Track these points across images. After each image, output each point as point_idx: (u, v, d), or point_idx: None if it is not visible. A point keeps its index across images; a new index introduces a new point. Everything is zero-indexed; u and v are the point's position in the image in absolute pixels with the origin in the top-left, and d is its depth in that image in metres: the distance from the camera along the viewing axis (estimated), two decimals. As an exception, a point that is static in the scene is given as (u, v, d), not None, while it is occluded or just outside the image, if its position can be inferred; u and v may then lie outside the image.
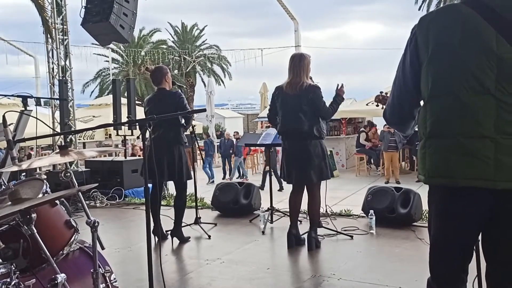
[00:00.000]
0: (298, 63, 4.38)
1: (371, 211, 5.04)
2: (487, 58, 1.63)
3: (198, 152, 6.66)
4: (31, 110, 3.91)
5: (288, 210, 5.58)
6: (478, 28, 1.66)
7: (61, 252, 2.28)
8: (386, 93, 2.53)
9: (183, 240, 4.88)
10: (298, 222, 4.67)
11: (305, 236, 4.52)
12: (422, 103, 1.88)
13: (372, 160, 14.02)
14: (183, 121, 4.89)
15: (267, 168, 9.29)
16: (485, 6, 1.67)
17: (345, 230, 5.00)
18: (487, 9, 1.66)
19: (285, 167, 4.51)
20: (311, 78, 4.47)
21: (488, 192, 1.64)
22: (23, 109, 3.74)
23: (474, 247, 2.16)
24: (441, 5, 23.52)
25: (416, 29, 1.81)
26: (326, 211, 5.55)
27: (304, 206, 4.61)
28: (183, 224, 5.00)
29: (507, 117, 1.62)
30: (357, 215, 5.70)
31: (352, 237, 4.82)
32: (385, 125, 13.07)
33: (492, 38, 1.63)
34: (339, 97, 4.51)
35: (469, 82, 1.65)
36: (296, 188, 4.53)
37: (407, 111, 1.93)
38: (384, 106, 2.51)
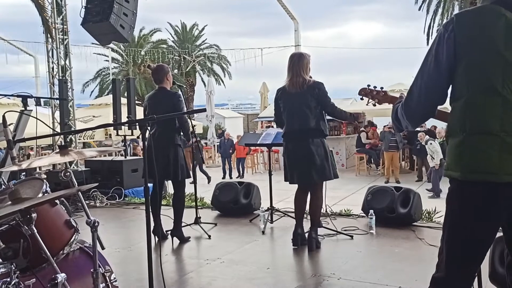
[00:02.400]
0: (298, 62, 4.39)
1: (371, 211, 5.04)
2: None
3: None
4: (31, 110, 3.91)
5: (288, 210, 5.62)
6: None
7: (61, 252, 2.28)
8: (375, 87, 2.53)
9: (183, 240, 4.88)
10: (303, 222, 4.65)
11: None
12: (448, 101, 1.89)
13: (372, 159, 14.03)
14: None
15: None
16: None
17: (345, 230, 5.00)
18: None
19: (287, 167, 4.51)
20: (311, 77, 4.48)
21: None
22: (23, 109, 3.74)
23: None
24: (441, 6, 23.29)
25: (454, 25, 1.82)
26: (326, 211, 5.56)
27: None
28: (183, 224, 5.00)
29: None
30: (357, 215, 5.69)
31: (352, 237, 4.82)
32: (386, 125, 13.10)
33: None
34: (353, 117, 4.57)
35: None
36: (301, 188, 4.54)
37: (433, 107, 1.95)
38: (370, 99, 2.51)
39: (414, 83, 1.96)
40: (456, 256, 1.85)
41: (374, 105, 2.56)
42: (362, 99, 2.56)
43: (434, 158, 10.57)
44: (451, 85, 1.88)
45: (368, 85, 2.53)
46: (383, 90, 2.50)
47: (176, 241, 4.87)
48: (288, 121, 4.44)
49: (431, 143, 10.75)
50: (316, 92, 4.33)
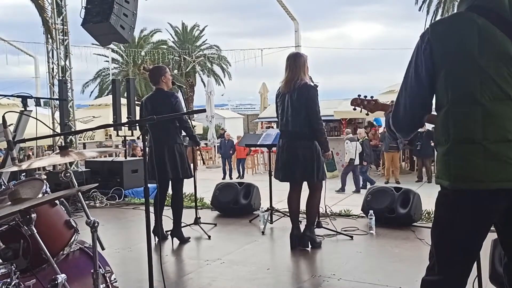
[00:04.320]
0: (293, 61, 4.41)
1: (371, 211, 5.04)
2: (505, 65, 1.72)
3: (199, 152, 6.66)
4: (31, 111, 3.91)
5: (287, 210, 5.61)
6: (494, 37, 1.74)
7: (61, 252, 2.28)
8: (365, 97, 2.57)
9: (183, 240, 4.88)
10: (299, 222, 4.66)
11: None
12: (433, 110, 1.92)
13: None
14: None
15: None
16: (495, 14, 1.75)
17: (345, 230, 5.00)
18: (498, 17, 1.75)
19: (276, 163, 4.55)
20: (310, 78, 4.48)
21: (510, 193, 1.72)
22: (23, 109, 3.74)
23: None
24: (441, 6, 23.28)
25: (430, 36, 1.84)
26: (326, 211, 5.55)
27: (303, 205, 4.61)
28: (183, 224, 5.00)
29: None
30: (356, 215, 5.69)
31: (352, 237, 4.82)
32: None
33: (508, 45, 1.72)
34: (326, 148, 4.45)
35: (490, 89, 1.73)
36: (292, 188, 4.54)
37: (419, 118, 1.97)
38: (362, 109, 2.55)
39: (399, 95, 1.99)
40: (447, 259, 1.88)
41: (367, 114, 2.61)
42: (354, 109, 2.60)
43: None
44: (435, 95, 1.90)
45: (359, 95, 2.58)
46: (373, 99, 2.55)
47: (176, 241, 4.87)
48: (281, 121, 4.50)
49: (346, 143, 11.39)
50: (306, 95, 4.29)
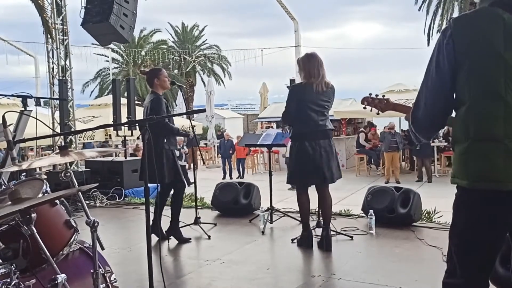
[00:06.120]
0: (322, 63, 4.46)
1: (371, 211, 5.04)
2: None
3: (198, 152, 6.66)
4: (31, 110, 3.91)
5: (288, 210, 5.62)
6: None
7: (61, 252, 2.28)
8: (377, 95, 2.49)
9: (183, 240, 4.88)
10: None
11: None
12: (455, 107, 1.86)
13: (372, 160, 14.03)
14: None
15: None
16: None
17: (344, 230, 5.00)
18: None
19: (301, 168, 4.42)
20: None
21: None
22: (23, 109, 3.75)
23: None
24: (441, 6, 23.14)
25: (452, 31, 1.79)
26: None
27: (313, 206, 4.64)
28: (183, 224, 5.00)
29: None
30: (356, 215, 5.69)
31: (352, 237, 4.82)
32: (386, 126, 13.10)
33: None
34: None
35: None
36: (303, 189, 4.53)
37: (441, 116, 1.89)
38: (372, 108, 2.47)
39: (419, 94, 1.91)
40: (469, 261, 1.82)
41: (378, 113, 2.52)
42: (365, 108, 2.51)
43: None
44: (455, 93, 1.83)
45: (370, 94, 2.49)
46: (385, 98, 2.46)
47: (176, 241, 4.87)
48: (310, 120, 4.39)
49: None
50: (332, 94, 4.50)
